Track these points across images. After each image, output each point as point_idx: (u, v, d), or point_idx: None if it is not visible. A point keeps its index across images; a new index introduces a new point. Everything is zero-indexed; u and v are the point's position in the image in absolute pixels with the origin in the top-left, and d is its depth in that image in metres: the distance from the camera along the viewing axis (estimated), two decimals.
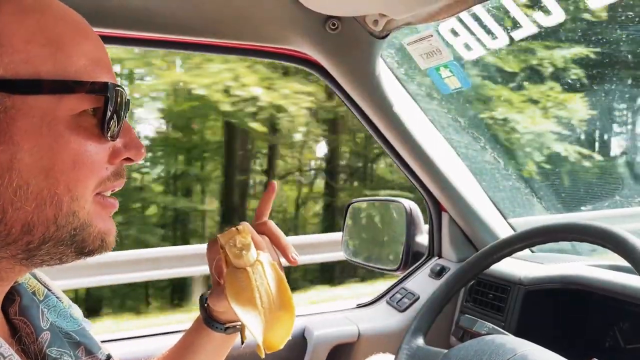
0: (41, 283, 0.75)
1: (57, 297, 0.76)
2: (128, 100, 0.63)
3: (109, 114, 0.58)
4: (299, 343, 1.47)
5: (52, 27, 0.56)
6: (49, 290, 0.76)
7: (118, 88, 0.60)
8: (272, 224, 0.82)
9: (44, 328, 0.67)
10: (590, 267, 1.31)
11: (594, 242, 0.94)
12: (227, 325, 0.84)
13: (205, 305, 0.85)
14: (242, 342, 0.82)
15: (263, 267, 0.71)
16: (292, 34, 1.21)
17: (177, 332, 1.26)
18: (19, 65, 0.53)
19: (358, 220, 1.95)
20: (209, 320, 0.84)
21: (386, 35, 1.24)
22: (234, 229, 0.72)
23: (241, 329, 0.82)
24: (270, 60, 1.34)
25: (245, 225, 0.74)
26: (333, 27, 1.19)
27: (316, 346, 1.43)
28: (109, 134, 0.59)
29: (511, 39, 1.09)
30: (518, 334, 1.05)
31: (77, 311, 0.79)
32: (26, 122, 0.53)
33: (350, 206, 1.92)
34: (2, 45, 0.53)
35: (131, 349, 1.26)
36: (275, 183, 0.88)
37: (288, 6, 1.15)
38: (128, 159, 0.64)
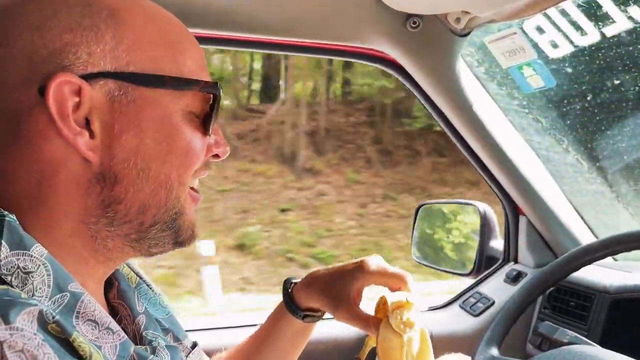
0: (134, 272, 0.79)
1: (147, 285, 0.80)
2: None
3: (215, 110, 0.64)
4: None
5: (171, 33, 0.63)
6: (141, 278, 0.79)
7: (222, 89, 0.65)
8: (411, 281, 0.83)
9: (140, 312, 0.70)
10: None
11: None
12: (305, 313, 0.88)
13: (290, 290, 0.89)
14: None
15: (416, 334, 0.75)
16: (372, 32, 1.21)
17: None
18: (146, 63, 0.59)
19: (428, 222, 1.93)
20: (291, 304, 0.88)
21: (467, 34, 1.22)
22: (404, 298, 0.75)
23: (360, 358, 0.86)
24: (348, 59, 1.35)
25: (414, 299, 0.75)
26: (414, 26, 1.18)
27: None
28: (210, 130, 0.65)
29: (603, 35, 1.05)
30: (602, 344, 1.01)
31: (165, 299, 0.82)
32: (151, 112, 0.59)
33: (421, 208, 1.89)
34: (134, 45, 0.59)
35: (215, 339, 1.30)
36: None
37: (369, 5, 1.15)
38: (215, 155, 0.69)
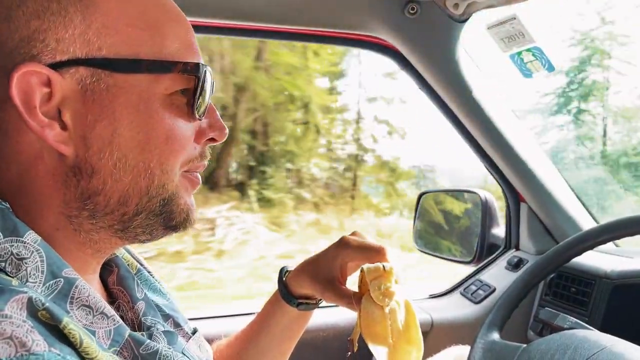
0: (134, 258, 0.79)
1: (148, 272, 0.80)
2: (213, 82, 0.64)
3: (198, 93, 0.60)
4: None
5: (150, 12, 0.58)
6: (142, 265, 0.80)
7: (207, 69, 0.61)
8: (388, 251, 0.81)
9: (139, 298, 0.70)
10: None
11: None
12: (300, 301, 0.87)
13: (284, 279, 0.89)
14: (351, 351, 0.81)
15: (399, 306, 0.72)
16: (370, 19, 1.20)
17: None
18: (120, 46, 0.56)
19: (430, 211, 1.92)
20: (286, 292, 0.88)
21: (466, 19, 1.21)
22: (380, 267, 0.72)
23: (353, 339, 0.82)
24: (346, 47, 1.35)
25: (392, 266, 0.73)
26: (412, 12, 1.18)
27: None
28: (197, 113, 0.61)
29: (602, 19, 1.03)
30: (603, 329, 1.01)
31: (165, 286, 0.82)
32: (126, 99, 0.56)
33: (423, 196, 1.89)
34: (106, 28, 0.55)
35: (214, 328, 1.30)
36: None
37: None
38: (212, 139, 0.66)
